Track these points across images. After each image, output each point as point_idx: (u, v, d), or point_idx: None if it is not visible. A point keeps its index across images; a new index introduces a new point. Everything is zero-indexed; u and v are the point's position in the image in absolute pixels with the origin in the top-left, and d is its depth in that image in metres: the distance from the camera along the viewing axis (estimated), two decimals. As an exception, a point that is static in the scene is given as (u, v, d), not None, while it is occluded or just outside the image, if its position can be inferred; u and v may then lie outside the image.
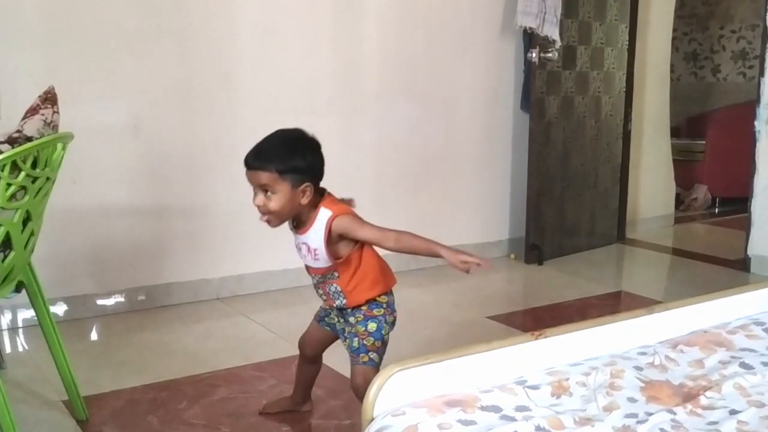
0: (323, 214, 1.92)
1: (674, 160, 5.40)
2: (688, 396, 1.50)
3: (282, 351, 2.77)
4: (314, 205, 1.93)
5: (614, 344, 1.71)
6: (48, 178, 1.96)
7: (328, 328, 2.14)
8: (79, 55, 3.02)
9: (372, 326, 1.99)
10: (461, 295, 3.58)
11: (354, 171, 3.70)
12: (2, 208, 1.81)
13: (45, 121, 1.99)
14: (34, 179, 1.89)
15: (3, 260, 1.89)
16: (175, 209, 3.31)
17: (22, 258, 1.96)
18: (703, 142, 6.09)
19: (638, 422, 1.37)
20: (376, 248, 1.99)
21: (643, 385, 1.54)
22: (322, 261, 1.96)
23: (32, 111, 2.02)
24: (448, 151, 4.08)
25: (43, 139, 1.89)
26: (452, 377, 1.47)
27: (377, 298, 2.01)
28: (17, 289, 2.07)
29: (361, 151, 3.75)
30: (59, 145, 1.97)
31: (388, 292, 2.04)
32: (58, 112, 2.04)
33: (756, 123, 4.01)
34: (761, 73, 3.99)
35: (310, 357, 2.22)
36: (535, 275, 4.05)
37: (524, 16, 3.96)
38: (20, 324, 3.02)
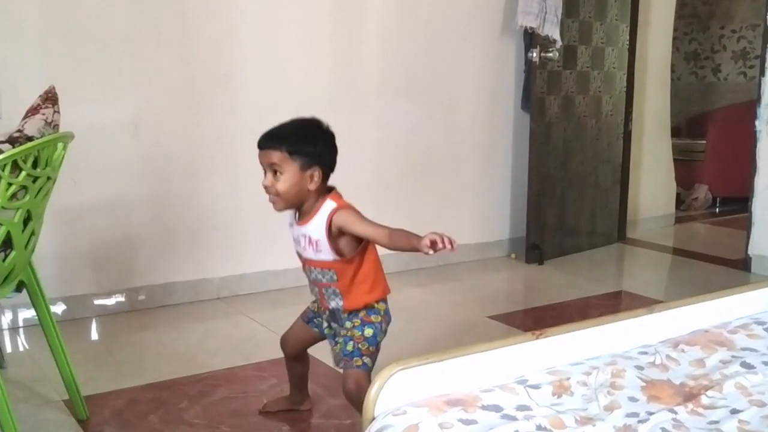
0: (328, 205, 1.93)
1: (675, 160, 5.39)
2: (689, 395, 1.50)
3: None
4: (321, 196, 1.94)
5: (615, 344, 1.71)
6: (49, 178, 1.96)
7: (316, 330, 2.14)
8: (80, 54, 3.03)
9: (369, 332, 1.98)
10: (462, 295, 3.58)
11: (355, 171, 3.69)
12: (3, 207, 1.81)
13: (46, 120, 1.99)
14: (35, 179, 1.89)
15: (4, 260, 1.89)
16: (176, 209, 3.31)
17: (22, 258, 1.96)
18: (704, 141, 6.09)
19: (639, 422, 1.37)
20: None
21: (644, 384, 1.53)
22: (324, 253, 1.95)
23: (33, 111, 2.02)
24: (449, 150, 4.08)
25: (43, 139, 1.89)
26: (453, 377, 1.46)
27: (375, 305, 2.00)
28: (18, 289, 2.07)
29: (361, 151, 3.75)
30: (60, 145, 1.97)
31: (385, 300, 2.04)
32: (58, 112, 2.05)
33: (756, 123, 4.01)
34: (762, 73, 3.99)
35: (292, 355, 2.21)
36: (535, 275, 4.05)
37: (525, 16, 3.96)
38: (21, 323, 3.03)
